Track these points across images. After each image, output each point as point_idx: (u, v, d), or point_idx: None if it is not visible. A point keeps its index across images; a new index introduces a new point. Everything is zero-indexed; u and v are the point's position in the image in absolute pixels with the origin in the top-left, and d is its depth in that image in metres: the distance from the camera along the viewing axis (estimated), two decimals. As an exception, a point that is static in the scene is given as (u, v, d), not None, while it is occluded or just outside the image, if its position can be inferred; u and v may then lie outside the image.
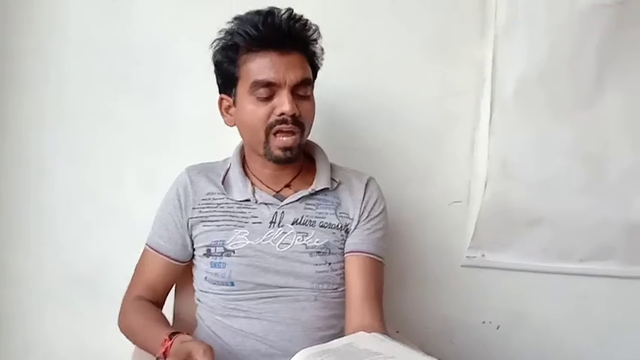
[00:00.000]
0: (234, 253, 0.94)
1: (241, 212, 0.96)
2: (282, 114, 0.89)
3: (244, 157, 1.03)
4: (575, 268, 1.42)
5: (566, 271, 1.42)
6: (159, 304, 1.01)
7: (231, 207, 0.97)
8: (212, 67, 1.21)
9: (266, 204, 0.97)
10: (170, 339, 0.80)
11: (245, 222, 0.95)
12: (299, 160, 1.00)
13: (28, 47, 1.26)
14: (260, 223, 0.95)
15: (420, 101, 1.36)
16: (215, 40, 0.96)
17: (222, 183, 0.99)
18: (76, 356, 1.33)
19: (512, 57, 1.33)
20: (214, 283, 0.95)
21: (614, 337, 1.47)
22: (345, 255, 0.97)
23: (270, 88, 0.90)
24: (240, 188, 0.98)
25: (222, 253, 0.94)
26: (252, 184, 0.99)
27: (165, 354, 0.78)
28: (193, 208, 0.98)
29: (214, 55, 0.97)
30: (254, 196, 0.97)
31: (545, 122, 1.36)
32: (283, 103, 0.89)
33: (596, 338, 1.47)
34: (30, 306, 1.32)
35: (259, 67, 0.90)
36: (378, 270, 0.98)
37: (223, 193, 0.98)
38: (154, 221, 1.02)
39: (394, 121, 1.35)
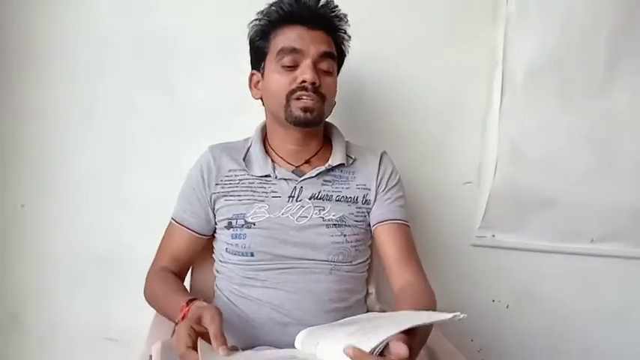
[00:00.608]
0: (254, 225, 0.97)
1: (261, 187, 1.00)
2: (304, 81, 0.95)
3: (265, 135, 1.07)
4: (586, 249, 1.45)
5: (576, 251, 1.45)
6: (181, 275, 1.05)
7: (252, 182, 1.01)
8: (224, 57, 1.29)
9: (285, 179, 1.00)
10: (187, 305, 0.83)
11: (265, 196, 0.99)
12: (318, 138, 1.05)
13: (45, 42, 1.29)
14: (279, 197, 0.99)
15: (433, 85, 1.38)
16: (252, 21, 1.03)
17: (244, 160, 1.03)
18: (99, 332, 1.38)
19: (523, 42, 1.35)
20: (234, 254, 0.98)
21: (622, 316, 1.50)
22: (373, 228, 1.02)
23: (294, 57, 0.96)
24: (260, 164, 1.02)
25: (243, 225, 0.97)
26: (273, 160, 1.03)
27: (182, 319, 0.80)
28: (216, 184, 1.01)
29: (249, 33, 1.04)
30: (274, 172, 1.01)
31: (556, 107, 1.38)
32: (305, 72, 0.95)
33: (605, 317, 1.49)
34: (55, 287, 1.37)
35: (287, 37, 0.97)
36: (408, 233, 1.03)
37: (244, 170, 1.02)
38: (179, 196, 1.06)
39: (408, 105, 1.38)
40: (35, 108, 1.31)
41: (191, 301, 0.84)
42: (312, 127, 0.99)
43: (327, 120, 1.07)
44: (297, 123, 0.97)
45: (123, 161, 1.34)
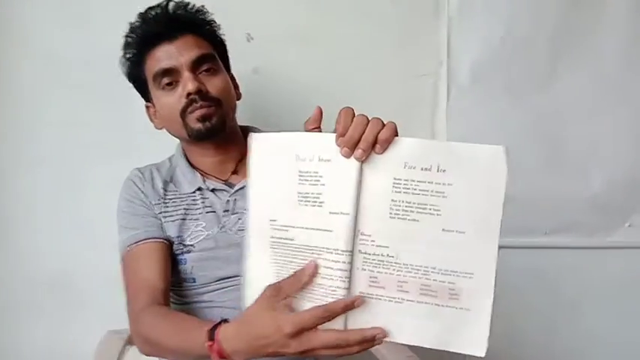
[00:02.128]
0: (193, 247, 0.93)
1: (194, 204, 0.96)
2: (189, 94, 0.90)
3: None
4: (539, 242, 1.47)
5: (529, 244, 1.46)
6: (167, 305, 0.89)
7: (184, 200, 0.96)
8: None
9: (217, 192, 0.97)
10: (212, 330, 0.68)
11: (199, 214, 0.95)
12: (238, 145, 0.99)
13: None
14: (214, 212, 0.95)
15: (377, 88, 1.37)
16: (121, 58, 0.99)
17: (172, 179, 0.99)
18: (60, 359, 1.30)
19: (467, 42, 1.37)
20: (176, 279, 0.94)
21: (580, 306, 1.52)
22: None
23: (171, 76, 0.92)
24: (189, 180, 0.97)
25: (183, 249, 0.93)
26: (202, 174, 0.99)
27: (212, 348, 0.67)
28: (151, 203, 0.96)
29: (123, 70, 1.00)
30: (204, 183, 0.97)
31: (502, 104, 1.40)
32: (186, 84, 0.91)
33: (563, 308, 1.51)
34: (8, 313, 1.28)
35: (155, 59, 0.93)
36: None
37: (175, 189, 0.97)
38: (122, 222, 0.96)
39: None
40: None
41: (216, 326, 0.69)
42: (218, 134, 0.93)
43: (253, 125, 1.05)
44: (201, 135, 0.92)
45: (73, 178, 1.28)
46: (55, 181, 1.28)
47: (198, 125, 0.92)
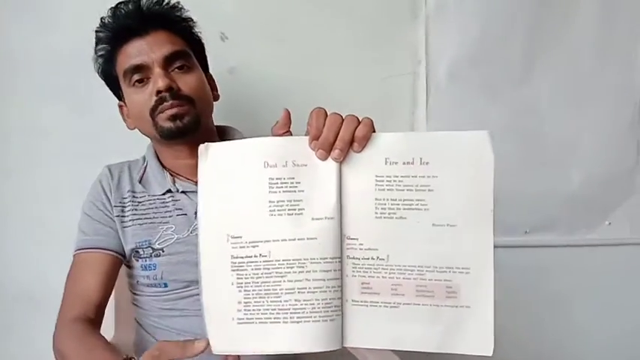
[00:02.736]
0: (163, 252, 0.89)
1: (164, 207, 0.92)
2: (159, 91, 0.86)
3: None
4: (520, 241, 1.46)
5: (510, 244, 1.45)
6: (101, 321, 0.90)
7: (153, 203, 0.93)
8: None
9: (189, 193, 0.93)
10: None
11: (169, 216, 0.91)
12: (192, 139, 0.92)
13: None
14: (185, 215, 0.92)
15: (358, 88, 1.35)
16: (93, 56, 0.96)
17: (142, 179, 0.95)
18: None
19: (444, 39, 1.36)
20: (147, 286, 0.91)
21: (562, 304, 1.51)
22: None
23: (141, 72, 0.88)
24: (159, 181, 0.94)
25: (152, 253, 0.89)
26: (171, 174, 0.95)
27: None
28: (115, 206, 0.93)
29: (95, 68, 0.97)
30: (174, 185, 0.93)
31: (481, 102, 1.39)
32: (156, 81, 0.86)
33: (546, 307, 1.51)
34: None
35: (126, 56, 0.89)
36: None
37: (143, 191, 0.94)
38: (80, 224, 0.94)
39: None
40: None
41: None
42: (190, 134, 0.88)
43: (228, 125, 1.02)
44: (171, 135, 0.88)
45: (37, 185, 1.23)
46: (25, 189, 1.24)
47: (169, 124, 0.87)
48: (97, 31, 0.94)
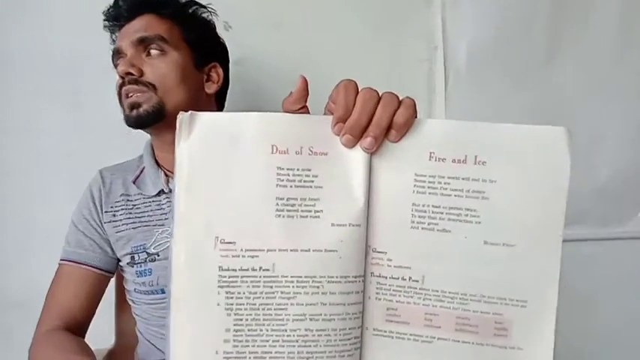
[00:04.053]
0: (158, 256, 0.85)
1: (159, 209, 0.88)
2: (121, 77, 0.84)
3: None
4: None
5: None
6: (82, 333, 0.87)
7: (149, 205, 0.88)
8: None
9: None
10: None
11: (165, 218, 0.87)
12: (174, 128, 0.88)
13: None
14: None
15: (370, 77, 1.23)
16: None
17: (137, 180, 0.91)
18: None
19: (462, 23, 1.29)
20: (144, 293, 0.87)
21: (594, 299, 1.45)
22: None
23: (119, 57, 0.87)
24: (153, 181, 0.89)
25: (146, 258, 0.85)
26: (166, 174, 0.90)
27: None
28: (106, 212, 0.89)
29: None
30: (167, 185, 0.88)
31: (502, 88, 1.33)
32: (120, 66, 0.84)
33: (577, 303, 1.42)
34: None
35: (115, 42, 0.90)
36: None
37: (139, 192, 0.89)
38: (68, 233, 0.90)
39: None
40: None
41: None
42: (152, 124, 0.84)
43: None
44: (130, 123, 0.84)
45: (35, 188, 1.19)
46: (20, 191, 1.20)
47: (127, 112, 0.85)
48: (103, 20, 0.93)
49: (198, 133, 0.48)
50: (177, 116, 0.48)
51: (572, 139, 0.48)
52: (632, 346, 1.46)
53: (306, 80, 0.51)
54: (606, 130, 1.37)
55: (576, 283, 1.41)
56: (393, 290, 0.49)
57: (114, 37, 0.93)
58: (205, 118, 0.48)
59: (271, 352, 0.47)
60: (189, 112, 0.48)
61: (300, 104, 0.50)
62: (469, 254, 0.48)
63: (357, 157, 0.48)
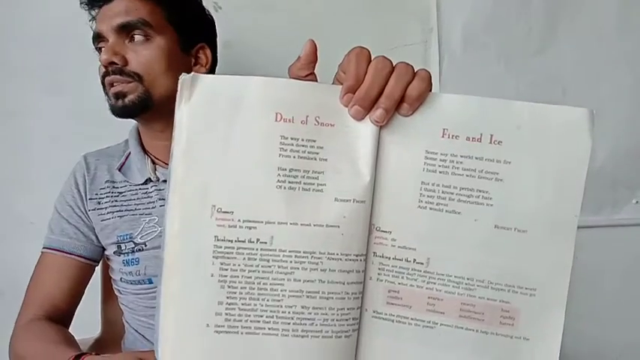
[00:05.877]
0: (145, 246, 0.83)
1: (147, 197, 0.85)
2: (105, 65, 0.79)
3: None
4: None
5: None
6: (66, 323, 0.85)
7: (135, 193, 0.85)
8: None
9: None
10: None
11: (152, 207, 0.84)
12: (162, 116, 0.85)
13: None
14: None
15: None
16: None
17: (123, 167, 0.88)
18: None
19: (457, 5, 1.27)
20: (131, 283, 0.85)
21: (585, 288, 1.41)
22: None
23: (101, 41, 0.82)
24: (139, 168, 0.86)
25: (133, 248, 0.83)
26: (153, 162, 0.87)
27: None
28: (90, 199, 0.86)
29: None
30: (155, 173, 0.85)
31: (498, 70, 1.31)
32: (103, 54, 0.80)
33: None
34: None
35: (95, 23, 0.84)
36: None
37: (125, 180, 0.86)
38: (51, 220, 0.88)
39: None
40: None
41: (79, 357, 0.66)
42: (138, 113, 0.81)
43: None
44: (116, 113, 0.81)
45: (18, 174, 1.16)
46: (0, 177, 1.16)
47: (113, 101, 0.81)
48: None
49: (200, 95, 0.45)
50: (179, 77, 0.45)
51: (594, 122, 0.46)
52: (622, 329, 1.45)
53: (314, 44, 0.48)
54: (601, 111, 1.34)
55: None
56: (396, 272, 0.47)
57: (93, 13, 0.87)
58: (208, 80, 0.46)
59: (264, 328, 0.45)
60: (192, 73, 0.45)
61: (308, 70, 0.48)
62: (478, 238, 0.46)
63: (365, 130, 0.46)
